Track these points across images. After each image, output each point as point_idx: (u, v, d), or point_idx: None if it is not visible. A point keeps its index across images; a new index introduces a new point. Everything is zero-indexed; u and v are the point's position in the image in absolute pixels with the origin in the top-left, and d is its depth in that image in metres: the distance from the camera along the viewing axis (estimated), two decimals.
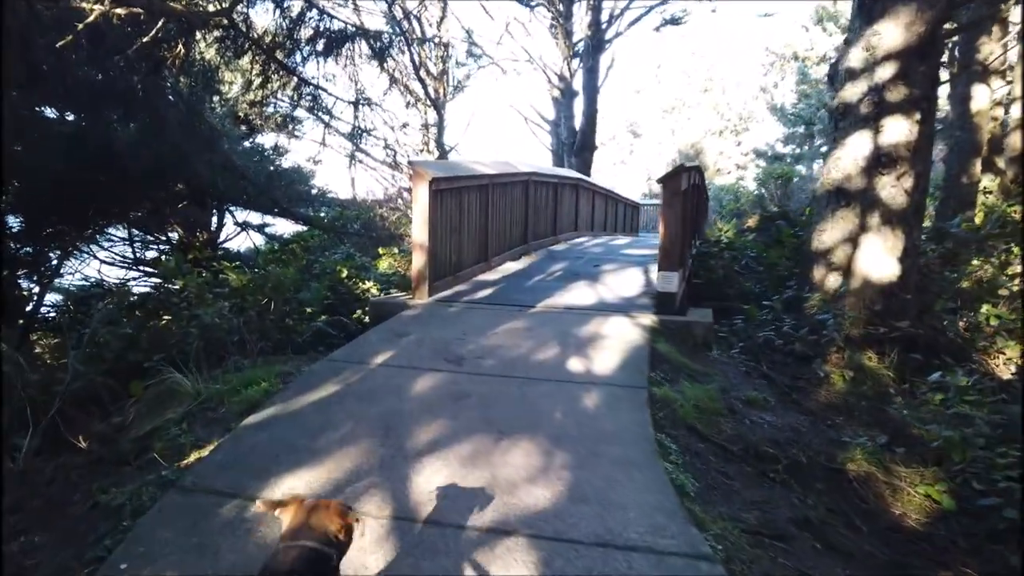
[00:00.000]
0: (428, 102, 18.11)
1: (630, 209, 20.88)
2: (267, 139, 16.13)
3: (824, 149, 37.92)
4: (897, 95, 6.42)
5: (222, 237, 16.97)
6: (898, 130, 6.43)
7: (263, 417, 4.05)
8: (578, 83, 21.54)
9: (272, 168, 13.18)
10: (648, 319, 6.18)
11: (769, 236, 10.33)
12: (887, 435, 4.58)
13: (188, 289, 7.33)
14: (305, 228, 16.55)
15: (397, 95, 17.12)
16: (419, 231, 6.92)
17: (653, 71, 52.47)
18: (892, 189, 6.46)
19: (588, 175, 18.79)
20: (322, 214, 17.16)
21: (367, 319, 6.90)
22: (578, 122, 21.31)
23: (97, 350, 6.48)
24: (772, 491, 3.74)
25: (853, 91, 6.73)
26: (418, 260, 6.97)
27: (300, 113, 16.33)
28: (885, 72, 6.46)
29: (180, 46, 8.36)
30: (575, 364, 4.93)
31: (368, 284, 10.85)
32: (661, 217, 6.38)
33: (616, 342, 5.45)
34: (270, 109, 15.53)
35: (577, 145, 21.16)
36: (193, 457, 3.72)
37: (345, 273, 10.83)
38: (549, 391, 4.42)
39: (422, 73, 17.69)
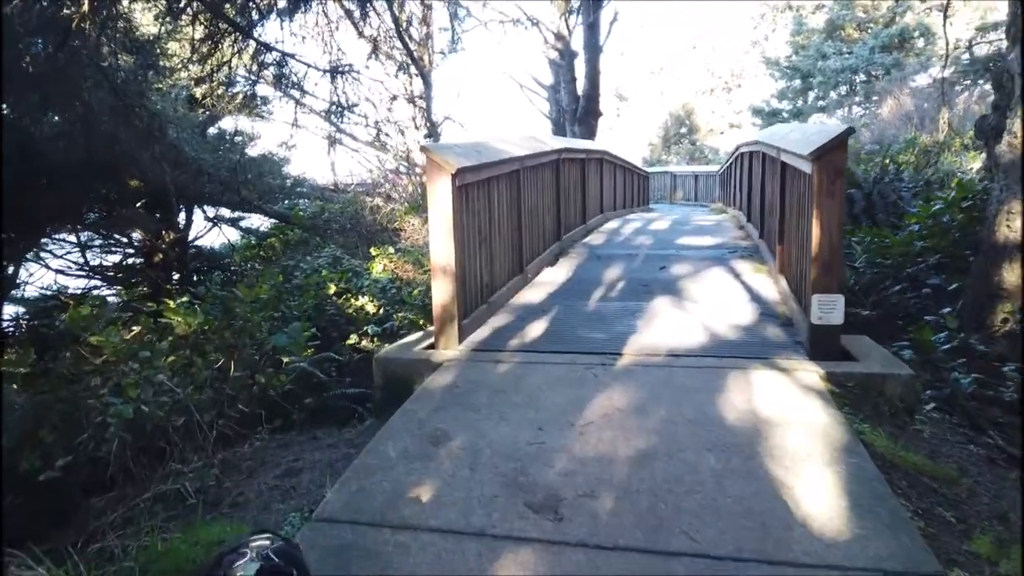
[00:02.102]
0: (414, 70, 15.59)
1: (642, 179, 18.57)
2: (233, 124, 13.60)
3: (857, 103, 35.74)
4: None
5: (192, 235, 14.63)
6: None
7: None
8: (577, 42, 19.06)
9: (238, 158, 10.70)
10: (807, 370, 3.95)
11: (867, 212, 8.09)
12: None
13: (111, 348, 5.00)
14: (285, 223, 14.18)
15: (379, 66, 14.57)
16: (441, 247, 4.63)
17: (637, 32, 49.74)
18: None
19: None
20: (301, 205, 14.74)
21: (375, 380, 4.64)
22: (580, 86, 18.88)
23: None
24: None
25: None
26: (442, 290, 4.68)
27: (266, 90, 13.77)
28: None
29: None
30: (765, 508, 2.68)
31: (363, 300, 8.55)
32: (815, 212, 4.10)
33: (795, 435, 3.21)
34: (235, 88, 13.01)
35: (580, 111, 18.74)
36: None
37: (334, 289, 8.51)
38: None
39: (406, 37, 15.15)
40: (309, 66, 8.31)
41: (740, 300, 5.61)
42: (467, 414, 3.61)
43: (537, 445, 3.24)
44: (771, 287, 5.93)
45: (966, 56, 29.71)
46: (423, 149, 4.65)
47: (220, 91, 8.32)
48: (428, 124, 17.88)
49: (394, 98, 12.99)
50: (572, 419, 3.49)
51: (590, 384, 3.94)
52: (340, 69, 8.64)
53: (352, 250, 11.71)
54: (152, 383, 4.63)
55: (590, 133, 18.59)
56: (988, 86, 26.41)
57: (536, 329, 5.07)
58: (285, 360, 5.67)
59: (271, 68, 8.40)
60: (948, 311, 5.13)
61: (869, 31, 35.64)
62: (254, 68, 8.07)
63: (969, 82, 28.17)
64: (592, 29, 18.11)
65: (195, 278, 15.05)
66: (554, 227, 8.06)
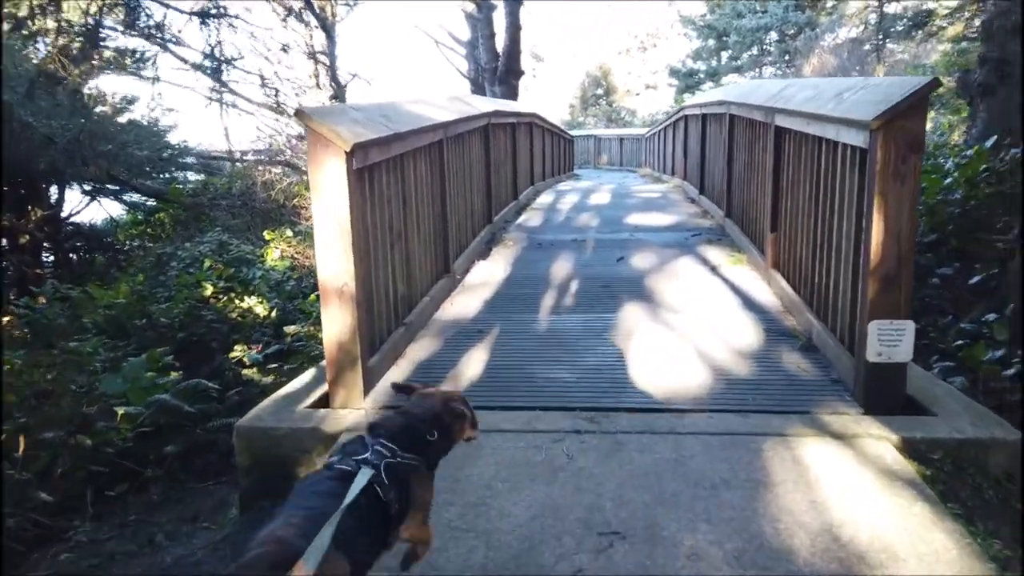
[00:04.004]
0: (314, 21, 13.59)
1: (567, 144, 17.20)
2: (97, 84, 11.32)
3: (770, 62, 35.13)
4: None
5: (67, 211, 12.41)
6: None
7: None
8: None
9: (83, 123, 8.60)
10: (873, 436, 2.70)
11: None
12: None
13: None
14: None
15: (275, 16, 12.53)
16: (333, 259, 3.11)
17: None
18: None
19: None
20: (190, 179, 12.67)
21: (238, 459, 3.11)
22: (500, 42, 17.23)
23: None
24: None
25: None
26: (337, 322, 3.17)
27: (139, 43, 11.53)
28: None
29: None
30: None
31: (251, 301, 6.90)
32: (877, 204, 2.80)
33: None
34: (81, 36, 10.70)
35: (501, 70, 17.13)
36: None
37: (211, 290, 6.81)
38: None
39: None
40: (167, 6, 6.44)
41: (731, 307, 4.32)
42: None
43: None
44: (762, 287, 4.68)
45: (874, 16, 29.57)
46: (299, 115, 3.07)
47: (51, 38, 6.36)
48: (334, 83, 15.92)
49: (284, 48, 11.02)
50: (544, 559, 2.11)
51: (564, 476, 2.55)
52: (211, 12, 6.81)
53: (243, 232, 9.90)
54: None
55: (512, 94, 17.03)
56: (895, 45, 26.22)
57: (475, 364, 3.63)
58: (119, 412, 4.05)
59: (120, 9, 6.50)
60: (994, 317, 3.99)
61: None
62: (91, 8, 6.15)
63: (880, 40, 27.99)
64: None
65: (73, 259, 12.91)
66: (484, 208, 6.59)
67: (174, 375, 5.59)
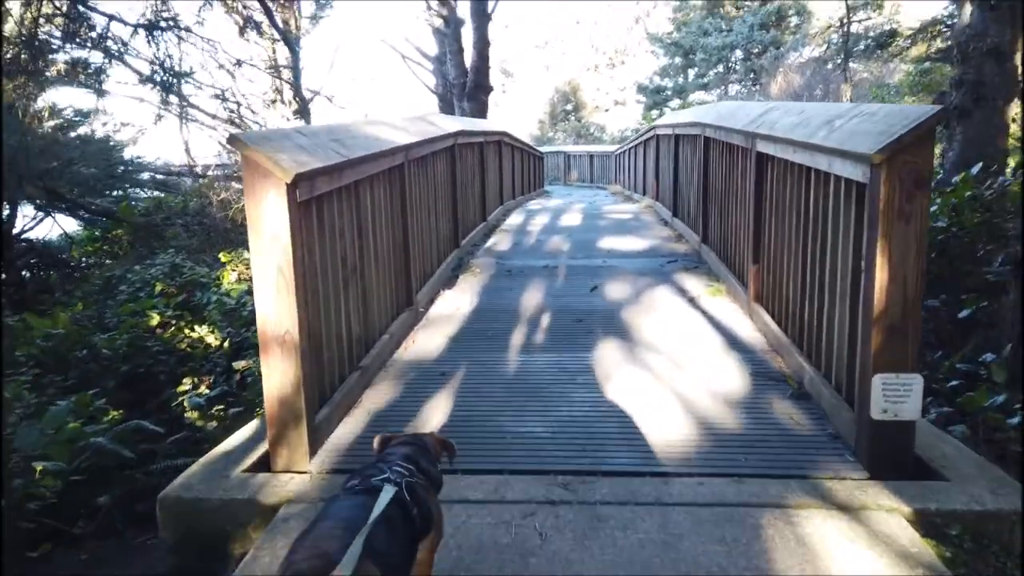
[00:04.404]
0: (274, 33, 13.15)
1: (537, 161, 16.94)
2: (65, 99, 10.74)
3: (736, 80, 35.35)
4: None
5: (19, 227, 11.74)
6: None
7: None
8: (463, 9, 17.11)
9: (38, 139, 8.10)
10: (882, 508, 2.39)
11: None
12: None
13: None
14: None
15: (229, 23, 12.07)
16: (272, 303, 2.73)
17: (519, 4, 47.78)
18: None
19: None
20: (144, 196, 12.08)
21: (162, 532, 2.71)
22: (468, 58, 16.96)
23: None
24: None
25: None
26: (278, 374, 2.78)
27: (98, 56, 10.98)
28: None
29: None
30: None
31: (202, 331, 6.45)
32: (881, 245, 2.51)
33: None
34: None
35: (469, 86, 16.85)
36: None
37: (157, 320, 6.34)
38: None
39: None
40: (112, 17, 6.00)
41: (713, 346, 4.01)
42: None
43: None
44: (744, 322, 4.38)
45: (835, 36, 29.97)
46: (234, 142, 2.69)
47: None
48: (298, 98, 15.47)
49: (239, 63, 10.56)
50: None
51: (537, 563, 2.19)
52: (158, 24, 6.38)
53: (199, 253, 9.40)
54: None
55: (481, 109, 16.77)
56: (857, 64, 26.51)
57: (438, 415, 3.26)
58: (38, 468, 3.59)
59: (58, 18, 6.04)
60: (991, 357, 3.73)
61: (747, 8, 35.57)
62: (27, 17, 5.69)
63: (840, 60, 28.35)
64: None
65: (26, 277, 12.24)
66: (451, 232, 6.23)
67: (114, 414, 5.13)
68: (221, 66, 13.84)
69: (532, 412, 3.24)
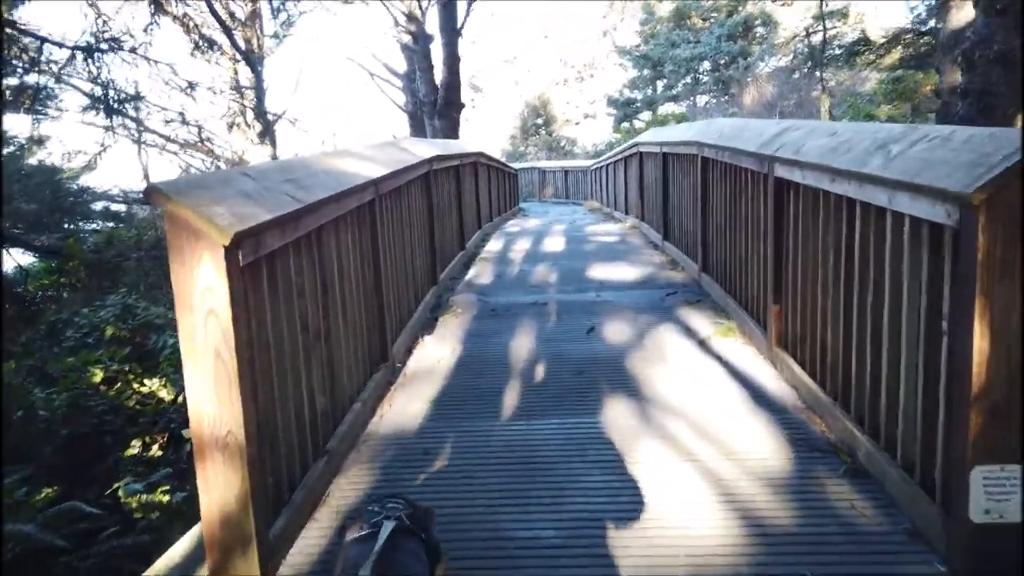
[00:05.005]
0: (233, 52, 12.48)
1: (512, 179, 16.42)
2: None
3: (704, 91, 35.25)
4: None
5: None
6: None
7: None
8: (432, 25, 16.61)
9: None
10: None
11: None
12: None
13: None
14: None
15: (186, 44, 11.36)
16: (209, 396, 2.12)
17: (487, 20, 47.41)
18: None
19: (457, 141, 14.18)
20: (93, 229, 11.28)
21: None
22: (439, 74, 16.43)
23: None
24: None
25: None
26: (220, 485, 2.16)
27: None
28: None
29: None
30: None
31: (154, 384, 5.80)
32: (980, 305, 1.99)
33: None
34: None
35: (440, 103, 16.32)
36: None
37: (100, 376, 5.67)
38: None
39: (217, 8, 11.97)
40: (43, 40, 5.34)
41: (738, 404, 3.46)
42: None
43: None
44: (768, 372, 3.84)
45: (802, 45, 30.00)
46: (152, 196, 2.08)
47: None
48: (261, 120, 14.80)
49: (191, 85, 9.86)
50: None
51: None
52: (98, 47, 5.73)
53: (155, 290, 8.69)
54: None
55: (452, 127, 16.24)
56: (826, 73, 26.45)
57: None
58: None
59: None
60: None
61: (714, 19, 35.60)
62: None
63: (807, 68, 28.33)
64: (448, 9, 15.71)
65: None
66: (428, 267, 5.64)
67: (48, 492, 4.49)
68: (183, 89, 13.16)
69: (538, 504, 2.65)
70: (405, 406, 3.66)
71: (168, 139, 12.48)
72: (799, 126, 3.70)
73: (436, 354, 4.43)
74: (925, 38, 17.00)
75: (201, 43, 10.25)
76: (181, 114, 13.08)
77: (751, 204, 4.29)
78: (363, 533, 1.78)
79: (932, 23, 16.04)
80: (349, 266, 3.49)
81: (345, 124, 55.99)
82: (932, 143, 2.37)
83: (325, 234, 3.12)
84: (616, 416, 3.38)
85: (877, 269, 2.69)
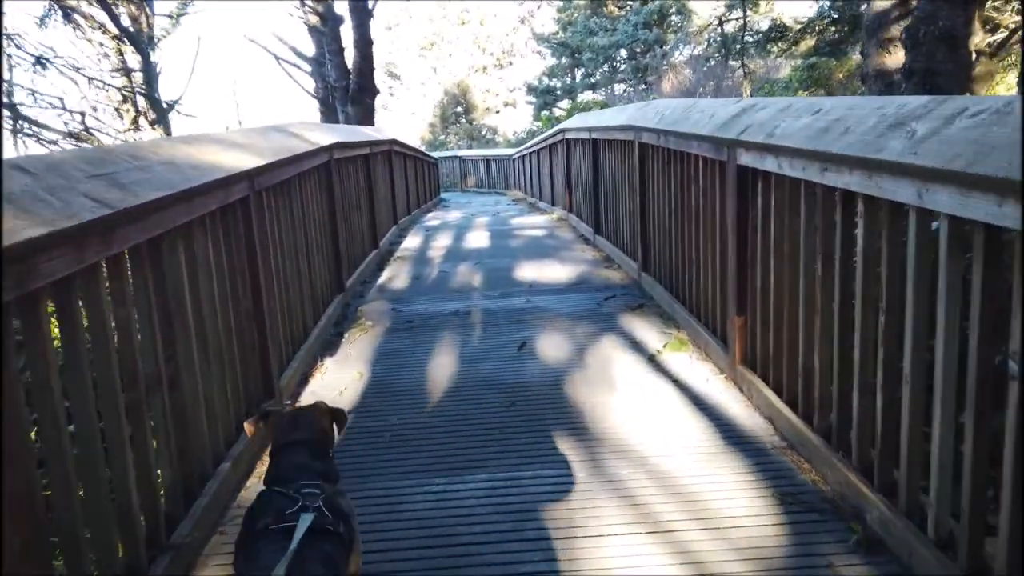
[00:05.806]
0: (120, 35, 11.13)
1: (431, 168, 15.57)
2: None
3: (622, 79, 34.98)
4: None
5: None
6: None
7: None
8: (342, 6, 15.47)
9: None
10: None
11: None
12: None
13: None
14: None
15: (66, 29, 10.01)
16: None
17: (402, 4, 45.81)
18: None
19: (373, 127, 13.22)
20: None
21: None
22: (350, 59, 15.34)
23: None
24: None
25: None
26: None
27: None
28: None
29: None
30: None
31: None
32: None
33: None
34: None
35: (353, 89, 15.24)
36: None
37: None
38: None
39: None
40: None
41: (704, 440, 2.81)
42: None
43: None
44: (733, 395, 3.22)
45: (715, 34, 30.20)
46: None
47: None
48: (154, 107, 13.42)
49: (41, 61, 8.56)
50: None
51: None
52: None
53: None
54: None
55: (367, 114, 15.21)
56: (734, 62, 26.60)
57: None
58: None
59: None
60: None
61: (629, 8, 35.46)
62: None
63: (721, 56, 28.48)
64: None
65: None
66: (331, 274, 4.80)
67: None
68: (68, 74, 11.69)
69: None
70: None
71: (41, 126, 10.99)
72: (765, 104, 3.06)
73: (338, 383, 3.62)
74: (837, 26, 17.08)
75: (75, 23, 8.92)
76: (60, 99, 11.66)
77: (704, 197, 3.66)
78: (268, 527, 1.44)
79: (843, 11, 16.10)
80: (211, 283, 2.65)
81: (251, 112, 53.38)
82: (978, 120, 1.74)
83: (167, 246, 2.28)
84: (560, 467, 2.68)
85: (892, 283, 2.07)
